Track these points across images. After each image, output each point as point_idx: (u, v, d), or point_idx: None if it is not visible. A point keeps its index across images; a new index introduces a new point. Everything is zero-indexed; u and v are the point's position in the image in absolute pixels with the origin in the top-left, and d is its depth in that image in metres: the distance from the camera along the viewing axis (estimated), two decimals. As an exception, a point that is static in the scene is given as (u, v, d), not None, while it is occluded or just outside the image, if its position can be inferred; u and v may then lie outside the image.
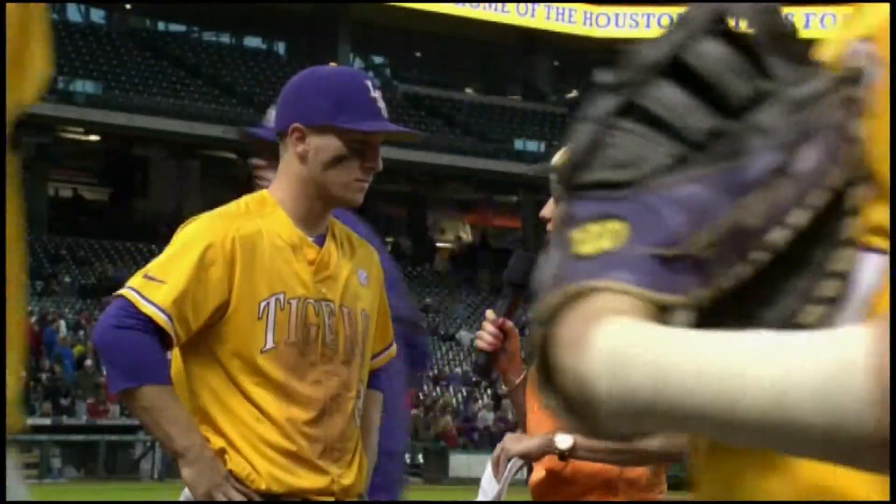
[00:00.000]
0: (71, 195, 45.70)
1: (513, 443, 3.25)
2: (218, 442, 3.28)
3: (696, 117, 1.15)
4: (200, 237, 3.29)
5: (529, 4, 47.71)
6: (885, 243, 1.15)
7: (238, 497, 3.27)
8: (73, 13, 46.54)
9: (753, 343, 1.06)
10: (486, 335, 3.37)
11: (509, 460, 3.24)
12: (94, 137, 43.45)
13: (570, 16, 48.19)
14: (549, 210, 3.31)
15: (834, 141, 1.14)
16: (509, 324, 3.39)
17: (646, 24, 46.78)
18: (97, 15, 47.29)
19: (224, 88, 44.77)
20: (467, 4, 46.31)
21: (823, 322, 1.13)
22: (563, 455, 3.24)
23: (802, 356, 1.04)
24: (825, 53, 1.21)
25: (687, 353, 1.06)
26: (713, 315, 1.12)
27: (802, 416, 1.03)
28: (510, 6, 47.47)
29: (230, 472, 3.29)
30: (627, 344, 1.08)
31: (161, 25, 48.76)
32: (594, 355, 1.08)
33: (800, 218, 1.13)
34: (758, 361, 1.04)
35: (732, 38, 1.17)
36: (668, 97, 1.15)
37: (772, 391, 1.03)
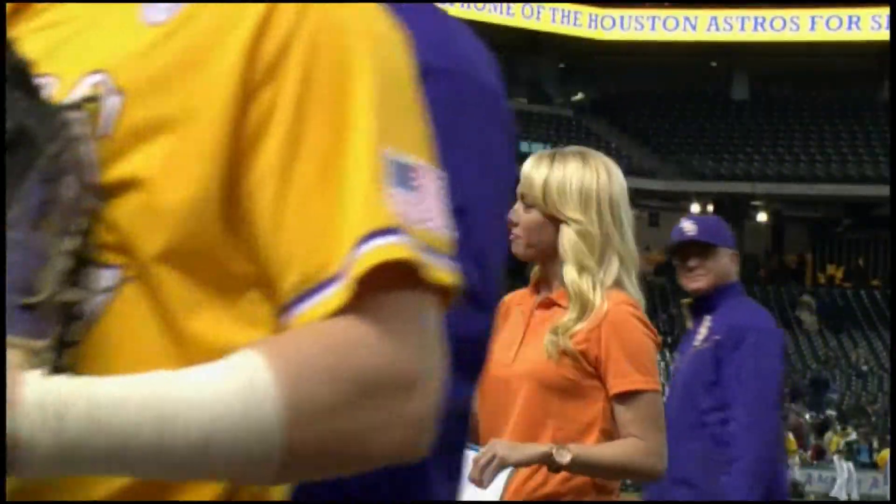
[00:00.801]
0: (76, 197, 45.80)
1: (507, 450, 3.19)
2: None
3: None
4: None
5: (535, 6, 47.67)
6: (115, 258, 1.23)
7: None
8: (79, 15, 46.66)
9: (169, 382, 1.14)
10: None
11: (503, 468, 3.19)
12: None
13: (576, 18, 48.09)
14: (514, 215, 3.35)
15: (82, 166, 1.21)
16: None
17: (651, 27, 46.74)
18: (103, 17, 47.42)
19: (229, 90, 44.85)
20: (472, 6, 46.27)
21: (79, 337, 1.21)
22: (560, 468, 3.22)
23: (209, 390, 1.13)
24: (56, 88, 1.28)
25: (113, 391, 1.13)
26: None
27: (222, 444, 1.13)
28: (515, 8, 47.45)
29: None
30: (60, 394, 1.12)
31: (166, 27, 48.88)
32: (29, 411, 1.10)
33: (74, 243, 1.20)
34: (179, 398, 1.13)
35: None
36: None
37: (195, 432, 1.12)
